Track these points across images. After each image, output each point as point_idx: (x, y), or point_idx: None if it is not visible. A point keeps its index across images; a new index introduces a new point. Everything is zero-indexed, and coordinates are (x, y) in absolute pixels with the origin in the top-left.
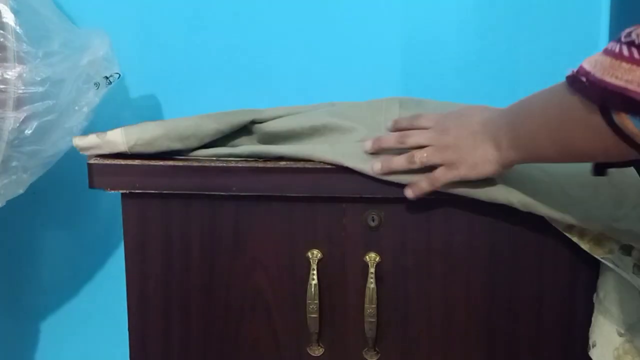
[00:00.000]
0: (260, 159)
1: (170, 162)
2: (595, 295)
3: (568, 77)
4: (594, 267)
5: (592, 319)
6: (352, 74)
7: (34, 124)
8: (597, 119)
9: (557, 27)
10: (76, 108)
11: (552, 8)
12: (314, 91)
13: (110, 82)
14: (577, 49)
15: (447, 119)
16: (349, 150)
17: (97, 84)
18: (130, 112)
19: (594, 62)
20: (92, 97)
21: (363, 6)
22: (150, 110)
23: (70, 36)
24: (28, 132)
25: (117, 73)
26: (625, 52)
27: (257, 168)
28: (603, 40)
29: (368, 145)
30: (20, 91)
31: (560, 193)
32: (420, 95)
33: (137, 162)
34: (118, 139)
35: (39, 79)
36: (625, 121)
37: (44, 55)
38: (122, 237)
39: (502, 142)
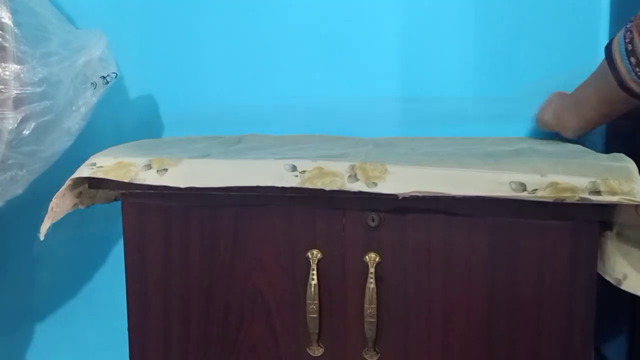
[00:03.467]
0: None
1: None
2: (609, 232)
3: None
4: (594, 268)
5: (607, 258)
6: (351, 70)
7: (32, 124)
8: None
9: (556, 26)
10: (73, 108)
11: (551, 6)
12: (314, 89)
13: (108, 82)
14: (577, 48)
15: None
16: None
17: (94, 84)
18: (129, 113)
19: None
20: (90, 97)
21: (362, 3)
22: (149, 111)
23: (68, 37)
24: (26, 132)
25: (114, 73)
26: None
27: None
28: (603, 39)
29: None
30: (19, 91)
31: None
32: (418, 91)
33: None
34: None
35: (37, 79)
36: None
37: (41, 56)
38: (122, 237)
39: None
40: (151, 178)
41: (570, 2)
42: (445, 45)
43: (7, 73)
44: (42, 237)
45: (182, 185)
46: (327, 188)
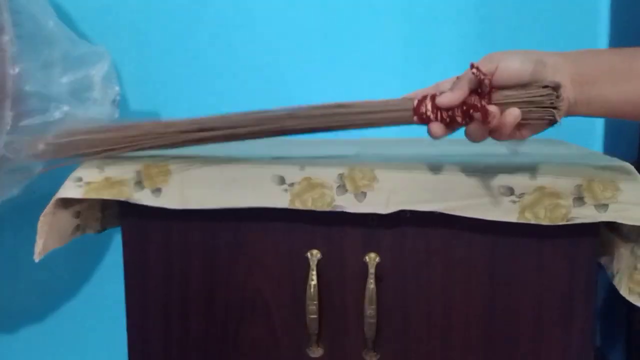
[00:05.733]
0: None
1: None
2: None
3: None
4: (594, 268)
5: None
6: (351, 73)
7: (30, 125)
8: None
9: (555, 26)
10: (73, 112)
11: (550, 6)
12: (314, 90)
13: (115, 101)
14: (576, 48)
15: None
16: None
17: (114, 101)
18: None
19: None
20: (90, 107)
21: (363, 4)
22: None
23: (71, 45)
24: (24, 133)
25: (118, 94)
26: None
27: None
28: (602, 40)
29: None
30: (17, 92)
31: None
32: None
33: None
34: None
35: (36, 80)
36: None
37: (42, 60)
38: (122, 236)
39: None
40: (147, 199)
41: (569, 2)
42: (445, 46)
43: (7, 74)
44: (37, 259)
45: (179, 207)
46: (318, 208)
